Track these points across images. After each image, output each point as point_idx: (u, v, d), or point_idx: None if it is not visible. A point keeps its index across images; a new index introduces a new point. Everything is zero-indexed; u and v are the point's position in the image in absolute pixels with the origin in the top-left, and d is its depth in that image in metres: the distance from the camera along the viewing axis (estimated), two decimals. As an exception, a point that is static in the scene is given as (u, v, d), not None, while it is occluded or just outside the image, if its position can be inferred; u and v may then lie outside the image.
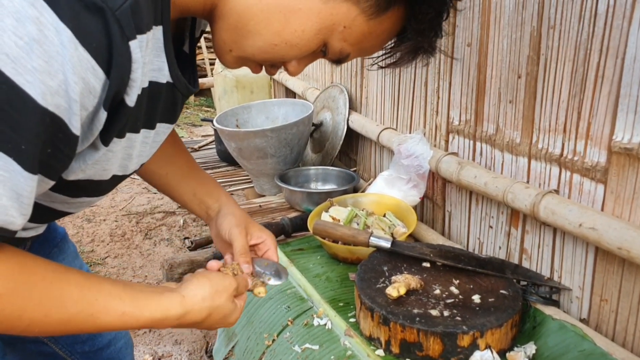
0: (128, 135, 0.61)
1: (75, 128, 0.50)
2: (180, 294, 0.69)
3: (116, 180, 0.67)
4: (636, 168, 0.94)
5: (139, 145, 0.65)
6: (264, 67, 0.72)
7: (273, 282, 0.87)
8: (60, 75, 0.46)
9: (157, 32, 0.57)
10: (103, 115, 0.53)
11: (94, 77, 0.49)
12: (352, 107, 2.11)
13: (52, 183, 0.55)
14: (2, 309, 0.51)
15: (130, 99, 0.55)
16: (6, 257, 0.52)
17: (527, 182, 1.21)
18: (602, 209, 1.02)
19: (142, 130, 0.64)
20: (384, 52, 0.75)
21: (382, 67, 0.77)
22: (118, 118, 0.56)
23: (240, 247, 0.84)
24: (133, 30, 0.51)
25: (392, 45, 0.72)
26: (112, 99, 0.53)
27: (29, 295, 0.53)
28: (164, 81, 0.61)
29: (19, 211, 0.49)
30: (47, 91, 0.46)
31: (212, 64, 6.27)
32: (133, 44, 0.51)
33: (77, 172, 0.60)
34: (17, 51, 0.44)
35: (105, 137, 0.57)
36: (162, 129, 0.69)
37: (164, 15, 0.57)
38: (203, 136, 3.61)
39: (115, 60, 0.50)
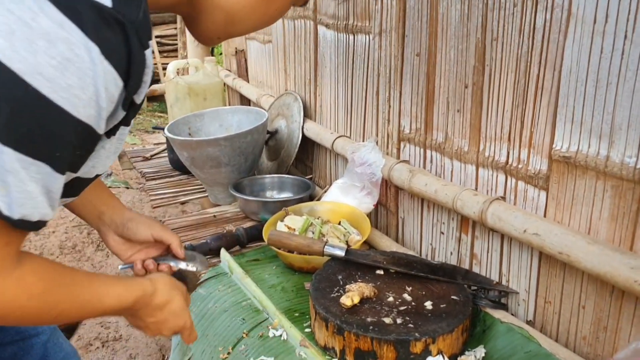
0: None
1: (101, 129, 0.57)
2: (148, 278, 0.83)
3: (94, 180, 0.71)
4: (574, 175, 0.99)
5: (116, 142, 0.67)
6: None
7: (191, 267, 0.99)
8: (92, 88, 0.51)
9: None
10: (121, 114, 0.59)
11: (115, 86, 0.54)
12: (307, 114, 2.11)
13: (74, 175, 0.62)
14: (39, 305, 0.63)
15: (139, 98, 0.60)
16: (39, 262, 0.63)
17: (476, 189, 1.24)
18: (545, 215, 1.07)
19: (121, 127, 0.66)
20: None
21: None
22: (125, 115, 0.61)
23: (178, 242, 0.98)
24: (147, 39, 0.55)
25: None
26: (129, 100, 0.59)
27: (57, 296, 0.66)
28: None
29: (49, 204, 0.56)
30: (80, 104, 0.51)
31: (164, 69, 6.14)
32: (148, 52, 0.56)
33: None
34: (51, 71, 0.48)
35: (109, 132, 0.62)
36: (128, 127, 0.71)
37: None
38: (155, 144, 3.53)
39: (133, 70, 0.55)
